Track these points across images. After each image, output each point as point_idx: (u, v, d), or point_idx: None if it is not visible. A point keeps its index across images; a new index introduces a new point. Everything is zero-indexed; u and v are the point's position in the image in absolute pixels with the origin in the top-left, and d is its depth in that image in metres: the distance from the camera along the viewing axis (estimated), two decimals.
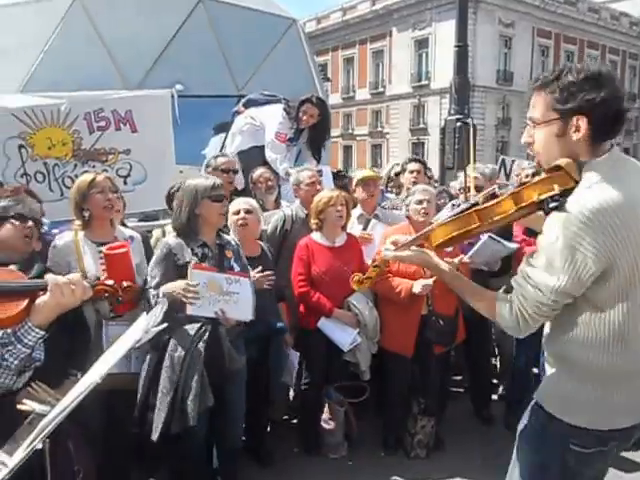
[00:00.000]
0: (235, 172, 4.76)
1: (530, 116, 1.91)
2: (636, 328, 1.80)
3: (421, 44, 35.03)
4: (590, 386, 1.85)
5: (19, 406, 1.77)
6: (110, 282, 2.07)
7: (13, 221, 2.78)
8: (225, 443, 3.53)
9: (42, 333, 1.74)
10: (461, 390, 5.19)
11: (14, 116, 4.76)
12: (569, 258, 1.71)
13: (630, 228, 1.71)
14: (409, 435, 4.13)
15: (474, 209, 1.93)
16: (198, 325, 3.14)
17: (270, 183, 4.90)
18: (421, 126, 35.27)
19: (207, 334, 3.15)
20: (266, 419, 4.21)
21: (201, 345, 3.12)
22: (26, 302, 1.73)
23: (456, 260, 3.63)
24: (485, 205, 1.91)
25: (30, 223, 2.84)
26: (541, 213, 1.86)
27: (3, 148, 4.72)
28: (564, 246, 1.71)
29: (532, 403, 2.03)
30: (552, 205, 1.75)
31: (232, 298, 3.17)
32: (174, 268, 3.16)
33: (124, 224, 3.97)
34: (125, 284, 2.43)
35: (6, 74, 5.69)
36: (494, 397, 4.98)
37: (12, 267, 2.53)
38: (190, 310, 3.06)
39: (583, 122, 1.78)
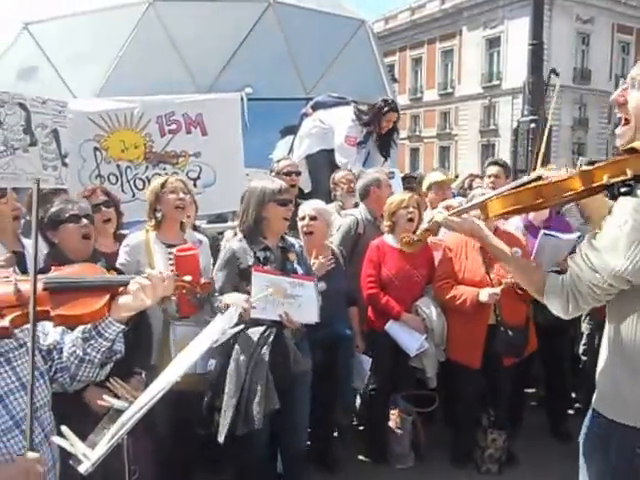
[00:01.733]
0: (298, 174, 4.79)
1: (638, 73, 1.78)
2: None
3: (492, 43, 34.21)
4: None
5: (99, 402, 1.80)
6: (188, 278, 2.06)
7: (69, 224, 2.86)
8: (289, 446, 3.47)
9: (122, 327, 1.76)
10: (535, 403, 4.97)
11: (90, 119, 4.90)
12: (636, 243, 1.64)
13: None
14: (479, 449, 3.99)
15: (538, 184, 1.85)
16: (263, 328, 3.13)
17: (352, 185, 4.86)
18: (491, 127, 34.43)
19: (272, 337, 3.13)
20: (332, 425, 4.15)
21: (266, 348, 3.11)
22: (106, 298, 1.73)
23: None
24: (550, 181, 1.83)
25: (84, 221, 2.91)
26: (601, 197, 1.81)
27: (79, 150, 4.86)
28: (632, 230, 1.64)
29: (590, 412, 1.95)
30: (623, 190, 1.65)
31: (296, 301, 3.16)
32: (237, 272, 3.19)
33: (196, 227, 4.01)
34: (203, 280, 2.43)
35: (83, 79, 5.90)
36: (571, 411, 4.72)
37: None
38: (254, 313, 3.05)
39: None
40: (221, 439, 3.09)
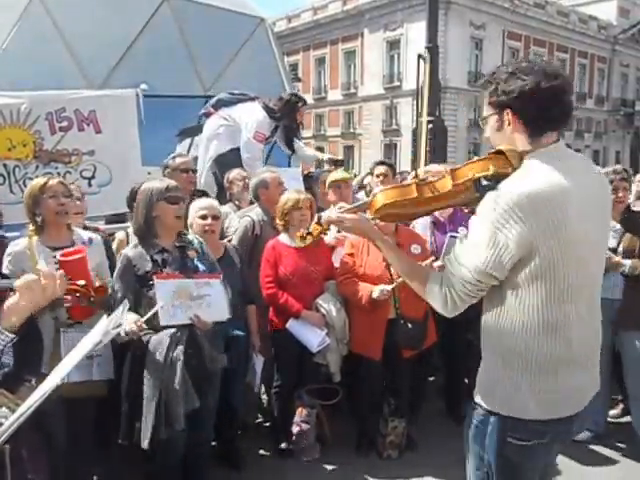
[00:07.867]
0: (195, 171, 4.72)
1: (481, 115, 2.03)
2: (563, 313, 1.83)
3: (392, 45, 35.17)
4: (527, 375, 1.85)
5: None
6: (82, 282, 1.99)
7: None
8: (196, 443, 3.43)
9: (12, 336, 1.67)
10: (435, 391, 5.16)
11: None
12: (492, 238, 1.74)
13: (555, 218, 1.73)
14: (381, 436, 4.11)
15: (414, 181, 2.00)
16: (173, 330, 3.08)
17: (247, 182, 4.79)
18: (393, 127, 35.39)
19: (184, 337, 3.10)
20: (237, 422, 4.14)
21: (179, 348, 3.06)
22: None
23: (426, 262, 3.58)
24: (425, 180, 1.98)
25: None
26: None
27: None
28: (489, 226, 1.74)
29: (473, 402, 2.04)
30: (484, 184, 1.80)
31: (204, 301, 3.13)
32: (135, 279, 3.12)
33: (86, 227, 3.86)
34: (98, 283, 2.35)
35: None
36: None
37: None
38: (163, 321, 3.03)
39: (509, 115, 1.85)
40: (145, 444, 3.02)
